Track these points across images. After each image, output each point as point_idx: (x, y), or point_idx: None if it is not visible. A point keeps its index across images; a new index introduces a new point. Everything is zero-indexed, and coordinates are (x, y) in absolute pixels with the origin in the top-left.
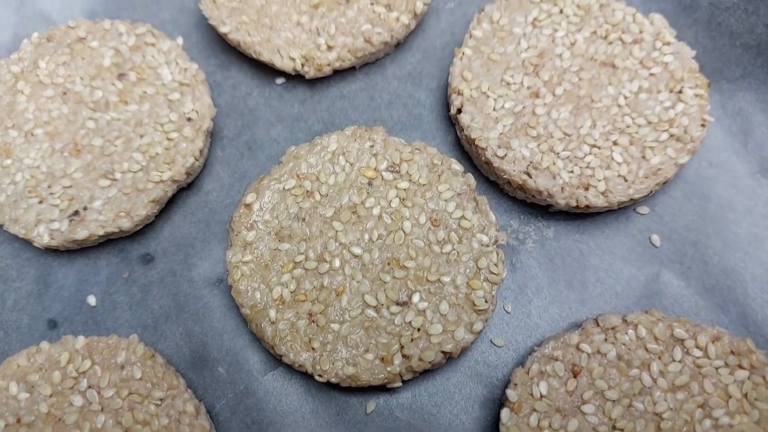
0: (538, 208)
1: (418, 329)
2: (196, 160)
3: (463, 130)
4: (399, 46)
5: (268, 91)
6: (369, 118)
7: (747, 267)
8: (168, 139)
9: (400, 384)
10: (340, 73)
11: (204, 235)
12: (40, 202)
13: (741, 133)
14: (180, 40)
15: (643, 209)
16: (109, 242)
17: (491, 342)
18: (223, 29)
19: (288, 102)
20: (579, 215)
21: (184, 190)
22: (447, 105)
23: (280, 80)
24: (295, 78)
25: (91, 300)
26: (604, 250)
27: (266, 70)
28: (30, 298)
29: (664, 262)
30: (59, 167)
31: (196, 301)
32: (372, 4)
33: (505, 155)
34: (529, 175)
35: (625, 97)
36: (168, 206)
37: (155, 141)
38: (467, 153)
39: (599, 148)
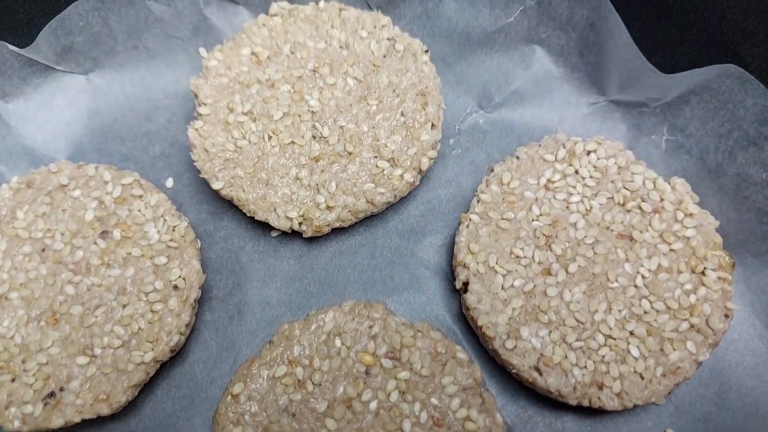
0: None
1: None
2: (182, 335)
3: (468, 309)
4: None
5: (262, 245)
6: (369, 279)
7: None
8: (152, 311)
9: None
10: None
11: (188, 413)
12: (13, 380)
13: (764, 313)
14: (170, 182)
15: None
16: None
17: None
18: (215, 186)
19: (283, 257)
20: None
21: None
22: (452, 269)
23: (275, 233)
24: (292, 231)
25: None
26: None
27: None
28: None
29: None
30: (35, 339)
31: None
32: (375, 158)
33: (515, 347)
34: (539, 371)
35: (644, 277)
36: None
37: (138, 313)
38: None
39: (614, 339)
